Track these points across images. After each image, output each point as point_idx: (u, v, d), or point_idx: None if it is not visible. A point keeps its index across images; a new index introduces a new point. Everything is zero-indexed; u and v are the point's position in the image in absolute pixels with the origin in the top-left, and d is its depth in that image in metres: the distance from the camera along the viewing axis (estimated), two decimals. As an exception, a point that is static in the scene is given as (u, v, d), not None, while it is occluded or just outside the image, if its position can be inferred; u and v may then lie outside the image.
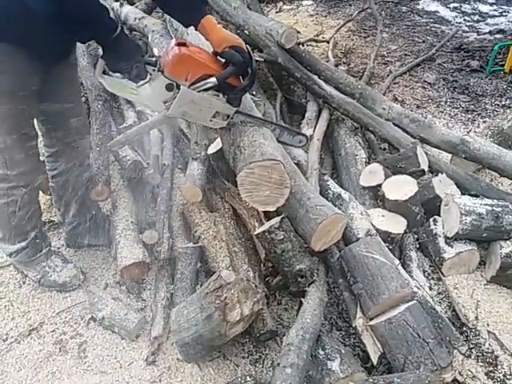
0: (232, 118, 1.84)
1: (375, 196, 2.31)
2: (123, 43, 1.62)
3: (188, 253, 2.12)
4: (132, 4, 4.12)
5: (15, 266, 2.18)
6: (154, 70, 1.67)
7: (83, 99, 2.65)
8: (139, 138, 2.68)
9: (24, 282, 2.18)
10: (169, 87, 1.67)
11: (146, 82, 1.66)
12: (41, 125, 2.04)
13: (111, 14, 1.62)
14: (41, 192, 2.48)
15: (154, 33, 3.34)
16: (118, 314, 1.94)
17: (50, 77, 1.80)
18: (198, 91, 1.69)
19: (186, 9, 1.75)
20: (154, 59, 1.70)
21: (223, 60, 1.74)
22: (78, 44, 2.20)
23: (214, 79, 1.67)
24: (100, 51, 1.64)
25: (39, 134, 2.02)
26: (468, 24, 5.06)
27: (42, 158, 2.13)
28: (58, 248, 2.36)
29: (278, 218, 1.83)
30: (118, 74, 1.69)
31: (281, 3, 5.59)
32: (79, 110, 2.10)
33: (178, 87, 1.67)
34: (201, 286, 2.02)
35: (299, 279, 1.83)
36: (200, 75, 1.67)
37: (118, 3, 3.95)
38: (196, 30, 1.78)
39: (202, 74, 1.67)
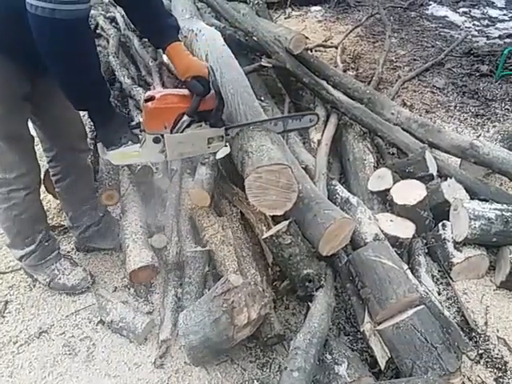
0: (228, 135, 1.90)
1: (383, 201, 2.30)
2: (114, 117, 1.74)
3: (196, 257, 2.14)
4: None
5: (25, 269, 2.20)
6: (140, 131, 1.81)
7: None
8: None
9: (34, 286, 2.20)
10: (156, 140, 1.79)
11: (143, 142, 1.79)
12: (38, 130, 2.05)
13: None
14: (52, 196, 2.53)
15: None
16: (127, 317, 1.95)
17: (44, 81, 1.80)
18: (181, 132, 1.79)
19: (156, 32, 1.82)
20: (134, 123, 1.83)
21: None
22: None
23: (186, 117, 1.77)
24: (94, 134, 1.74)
25: (38, 139, 2.03)
26: (477, 29, 5.05)
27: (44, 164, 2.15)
28: (69, 252, 2.38)
29: (285, 223, 1.83)
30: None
31: (289, 9, 5.62)
32: (75, 115, 2.10)
33: (163, 136, 1.78)
34: (209, 289, 2.03)
35: (307, 284, 1.83)
36: (174, 119, 1.77)
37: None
38: (163, 53, 1.84)
39: (176, 117, 1.76)
